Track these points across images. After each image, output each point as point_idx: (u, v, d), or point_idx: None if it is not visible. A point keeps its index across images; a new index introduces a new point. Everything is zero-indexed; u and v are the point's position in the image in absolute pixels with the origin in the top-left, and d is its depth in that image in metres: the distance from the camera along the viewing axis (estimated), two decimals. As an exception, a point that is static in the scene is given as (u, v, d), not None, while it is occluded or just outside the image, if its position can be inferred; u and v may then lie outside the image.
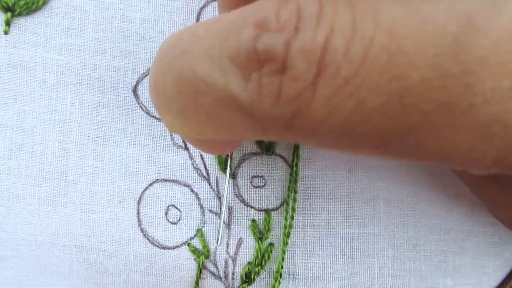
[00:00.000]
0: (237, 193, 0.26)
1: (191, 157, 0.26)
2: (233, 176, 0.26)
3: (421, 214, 0.26)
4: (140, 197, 0.25)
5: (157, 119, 0.26)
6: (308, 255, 0.26)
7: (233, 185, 0.26)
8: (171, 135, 0.26)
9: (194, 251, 0.25)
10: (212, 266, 0.25)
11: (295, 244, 0.26)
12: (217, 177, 0.26)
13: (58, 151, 0.25)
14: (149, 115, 0.26)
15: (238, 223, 0.26)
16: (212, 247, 0.25)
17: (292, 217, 0.25)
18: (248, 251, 0.26)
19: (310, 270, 0.26)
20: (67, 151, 0.25)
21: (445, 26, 0.12)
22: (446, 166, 0.24)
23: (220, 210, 0.26)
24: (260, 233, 0.26)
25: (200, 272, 0.25)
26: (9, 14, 0.25)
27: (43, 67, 0.25)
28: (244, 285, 0.25)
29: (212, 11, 0.26)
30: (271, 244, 0.26)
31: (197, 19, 0.26)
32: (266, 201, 0.26)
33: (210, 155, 0.26)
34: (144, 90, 0.26)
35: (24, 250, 0.25)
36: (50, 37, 0.25)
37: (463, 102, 0.12)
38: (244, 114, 0.13)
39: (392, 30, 0.12)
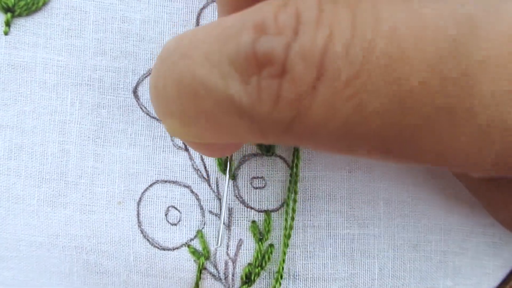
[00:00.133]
0: (237, 194, 0.26)
1: (191, 158, 0.26)
2: (233, 177, 0.26)
3: (421, 214, 0.26)
4: (140, 198, 0.25)
5: (158, 120, 0.26)
6: (309, 256, 0.26)
7: (233, 186, 0.26)
8: (171, 136, 0.26)
9: (194, 252, 0.25)
10: (212, 267, 0.25)
11: (295, 245, 0.26)
12: (217, 178, 0.26)
13: (58, 152, 0.25)
14: (150, 116, 0.26)
15: (238, 224, 0.26)
16: (212, 248, 0.25)
17: (292, 218, 0.25)
18: (248, 252, 0.26)
19: (311, 271, 0.26)
20: (67, 152, 0.25)
21: (445, 30, 0.12)
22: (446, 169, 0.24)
23: (220, 211, 0.26)
24: (260, 234, 0.26)
25: (200, 273, 0.25)
26: (9, 14, 0.25)
27: (43, 67, 0.25)
28: (244, 287, 0.25)
29: (212, 12, 0.26)
30: (271, 245, 0.26)
31: (197, 20, 0.26)
32: (266, 202, 0.26)
33: (210, 156, 0.26)
34: (145, 91, 0.26)
35: (24, 251, 0.25)
36: (50, 38, 0.25)
37: (463, 105, 0.12)
38: (244, 118, 0.13)
39: (392, 33, 0.12)
